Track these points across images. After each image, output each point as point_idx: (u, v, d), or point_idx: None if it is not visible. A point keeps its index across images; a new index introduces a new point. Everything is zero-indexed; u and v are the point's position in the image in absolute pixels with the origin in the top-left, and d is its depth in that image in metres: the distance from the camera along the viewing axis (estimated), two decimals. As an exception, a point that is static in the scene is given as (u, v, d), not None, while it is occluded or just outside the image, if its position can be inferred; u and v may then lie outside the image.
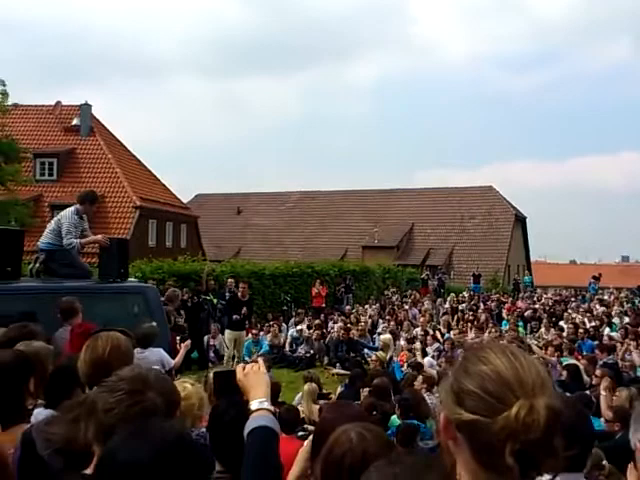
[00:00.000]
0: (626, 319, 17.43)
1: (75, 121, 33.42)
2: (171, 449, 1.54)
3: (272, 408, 2.08)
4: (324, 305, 20.51)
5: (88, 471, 1.92)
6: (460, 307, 21.19)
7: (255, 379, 2.14)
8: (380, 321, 17.94)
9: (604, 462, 4.03)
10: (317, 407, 7.12)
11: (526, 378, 1.21)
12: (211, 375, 3.42)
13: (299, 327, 16.31)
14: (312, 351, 14.99)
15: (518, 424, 1.16)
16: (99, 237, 7.63)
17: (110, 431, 1.85)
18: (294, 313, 18.92)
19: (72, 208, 7.40)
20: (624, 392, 6.28)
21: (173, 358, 6.89)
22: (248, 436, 1.96)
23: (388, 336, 13.32)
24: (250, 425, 1.98)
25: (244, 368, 2.19)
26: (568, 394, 6.52)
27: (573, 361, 9.80)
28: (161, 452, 1.52)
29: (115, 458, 1.53)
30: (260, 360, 2.27)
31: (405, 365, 10.75)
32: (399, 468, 1.24)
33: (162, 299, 8.91)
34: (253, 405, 2.04)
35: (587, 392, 7.49)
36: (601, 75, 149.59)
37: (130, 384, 1.93)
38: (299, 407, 7.43)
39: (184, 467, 1.53)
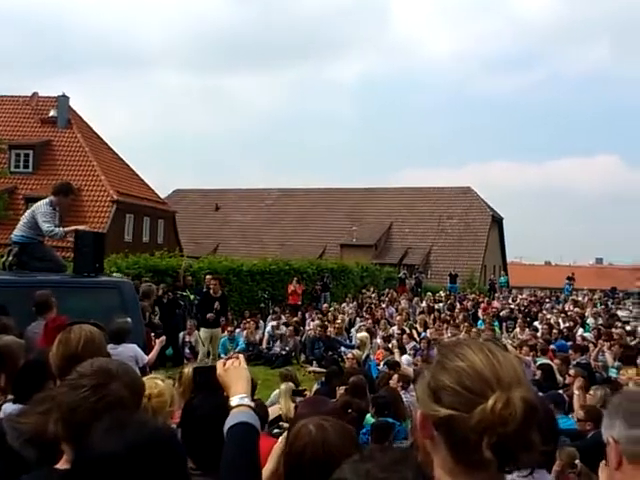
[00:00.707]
0: (599, 320, 17.68)
1: (52, 113, 32.95)
2: (150, 442, 1.53)
3: (252, 404, 2.06)
4: (300, 303, 20.52)
5: (59, 466, 1.89)
6: (437, 306, 21.34)
7: (236, 375, 2.11)
8: (357, 319, 17.99)
9: (577, 461, 4.07)
10: (294, 405, 7.11)
11: (503, 374, 1.21)
12: (186, 370, 3.39)
13: (273, 324, 16.32)
14: (287, 348, 15.01)
15: (494, 416, 1.15)
16: (82, 227, 7.55)
17: (79, 429, 1.82)
18: (271, 310, 18.89)
19: (46, 199, 7.30)
20: (599, 391, 6.36)
21: (147, 354, 6.82)
22: (228, 432, 1.94)
23: (364, 334, 13.33)
24: (230, 421, 1.95)
25: (224, 364, 2.16)
26: (541, 393, 6.58)
27: (547, 361, 9.91)
28: (140, 445, 1.51)
29: (93, 452, 1.52)
30: (241, 356, 2.25)
31: (382, 364, 10.77)
32: (371, 464, 1.23)
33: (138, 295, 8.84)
34: (234, 401, 2.02)
35: (560, 391, 7.58)
36: (581, 78, 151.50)
37: (92, 379, 1.90)
38: (276, 405, 7.41)
39: (163, 460, 1.52)
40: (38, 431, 2.17)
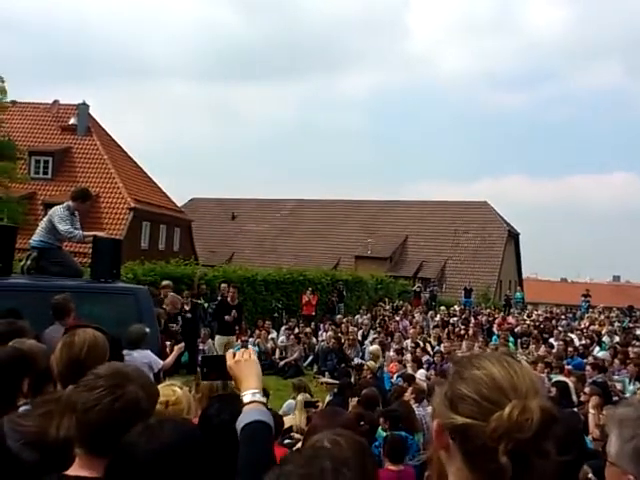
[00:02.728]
0: (616, 338, 17.48)
1: (72, 120, 33.31)
2: (184, 442, 1.58)
3: (265, 400, 2.02)
4: (314, 313, 20.48)
5: (71, 472, 1.87)
6: (451, 320, 21.21)
7: (247, 368, 2.07)
8: (371, 332, 17.93)
9: (590, 475, 4.00)
10: (305, 416, 7.09)
11: (520, 384, 1.22)
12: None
13: (281, 337, 16.39)
14: (290, 356, 15.09)
15: (511, 423, 1.16)
16: (101, 234, 7.61)
17: (94, 430, 1.83)
18: (285, 320, 18.87)
19: (64, 204, 7.37)
20: (611, 411, 6.27)
21: (162, 360, 6.84)
22: (243, 430, 1.89)
23: (376, 347, 13.30)
24: (245, 419, 1.91)
25: (234, 355, 2.12)
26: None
27: (562, 378, 9.80)
28: (175, 444, 1.55)
29: (131, 451, 1.56)
30: (250, 347, 2.24)
31: (395, 376, 10.73)
32: (290, 465, 1.28)
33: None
34: (246, 397, 1.97)
35: (575, 410, 7.48)
36: (594, 94, 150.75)
37: (109, 380, 1.89)
38: (289, 416, 7.40)
39: (196, 459, 1.54)
40: (39, 433, 2.13)
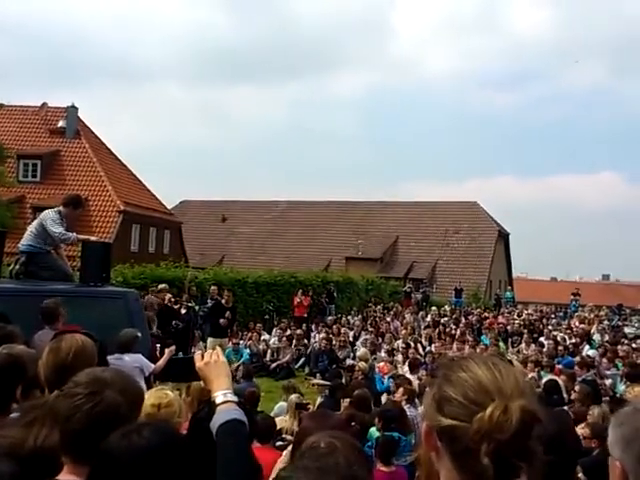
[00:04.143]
0: (606, 337, 17.60)
1: (61, 123, 33.18)
2: (165, 445, 1.57)
3: (237, 399, 2.02)
4: (306, 315, 20.48)
5: (60, 477, 1.87)
6: (442, 321, 21.26)
7: (216, 369, 2.08)
8: (362, 332, 17.96)
9: (579, 475, 4.03)
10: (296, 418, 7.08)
11: (504, 385, 1.23)
12: (195, 382, 3.39)
13: (273, 338, 16.39)
14: (282, 358, 15.10)
15: (492, 424, 1.17)
16: (94, 238, 7.59)
17: (76, 438, 1.83)
18: (276, 322, 18.86)
19: (55, 209, 7.33)
20: (596, 409, 6.32)
21: (153, 364, 6.82)
22: (219, 430, 1.89)
23: (364, 350, 13.30)
24: (220, 418, 1.91)
25: (203, 357, 2.13)
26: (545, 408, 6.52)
27: (553, 377, 9.86)
28: (156, 448, 1.55)
29: (112, 455, 1.57)
30: (218, 349, 2.23)
31: (387, 377, 10.74)
32: (305, 460, 1.37)
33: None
34: (218, 398, 1.98)
35: (565, 408, 7.52)
36: (581, 95, 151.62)
37: (87, 387, 1.90)
38: (283, 417, 7.39)
39: (178, 462, 1.54)
40: (15, 445, 2.09)
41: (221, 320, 12.22)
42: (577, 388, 8.09)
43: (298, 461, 1.40)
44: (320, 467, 1.34)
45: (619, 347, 14.10)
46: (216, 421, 1.91)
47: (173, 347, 7.87)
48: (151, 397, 3.12)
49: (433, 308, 25.50)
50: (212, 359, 2.11)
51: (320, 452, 1.41)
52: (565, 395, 8.76)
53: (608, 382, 10.59)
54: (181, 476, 1.57)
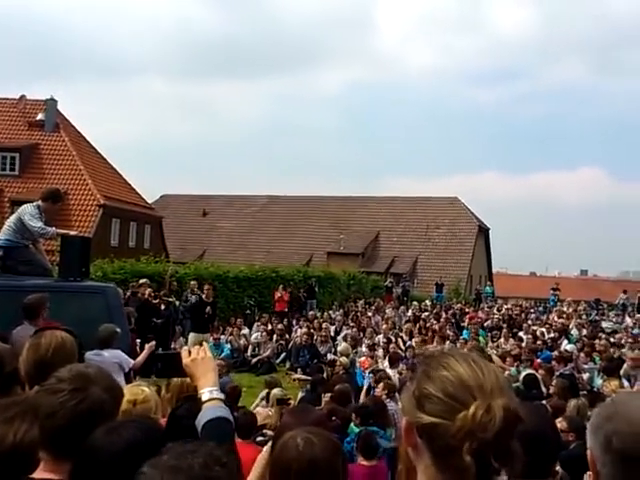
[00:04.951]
0: (584, 331, 17.79)
1: (40, 116, 32.72)
2: (147, 440, 1.56)
3: (223, 396, 2.02)
4: (287, 310, 20.48)
5: (36, 475, 1.85)
6: (423, 315, 21.37)
7: (203, 366, 2.08)
8: (344, 327, 17.99)
9: (557, 468, 4.08)
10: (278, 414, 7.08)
11: (485, 383, 1.23)
12: (175, 378, 3.37)
13: (254, 333, 16.38)
14: (263, 353, 15.09)
15: (475, 423, 1.18)
16: (74, 233, 7.54)
17: (59, 434, 1.81)
18: (257, 317, 18.84)
19: (33, 203, 7.25)
20: (572, 402, 6.40)
21: (132, 359, 6.78)
22: (204, 427, 1.88)
23: (345, 345, 13.35)
24: (205, 416, 1.90)
25: (190, 353, 2.13)
26: (525, 403, 6.59)
27: (532, 371, 9.95)
28: (138, 443, 1.55)
29: (95, 451, 1.57)
30: (205, 345, 2.23)
31: (367, 372, 10.77)
32: (166, 455, 1.30)
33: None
34: (204, 395, 1.98)
35: (543, 402, 7.60)
36: (561, 92, 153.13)
37: (71, 383, 1.88)
38: (261, 409, 7.40)
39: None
40: None
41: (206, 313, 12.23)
42: (555, 382, 8.19)
43: (157, 457, 1.33)
44: (174, 466, 1.28)
45: (597, 341, 14.27)
46: (202, 418, 1.90)
47: (153, 343, 7.84)
48: (127, 393, 3.10)
49: (414, 303, 25.64)
50: (199, 355, 2.10)
51: (180, 451, 1.34)
52: (544, 389, 8.86)
53: (586, 376, 10.71)
54: None
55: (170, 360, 2.21)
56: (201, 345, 2.20)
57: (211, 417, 1.89)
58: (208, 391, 1.98)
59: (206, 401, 1.96)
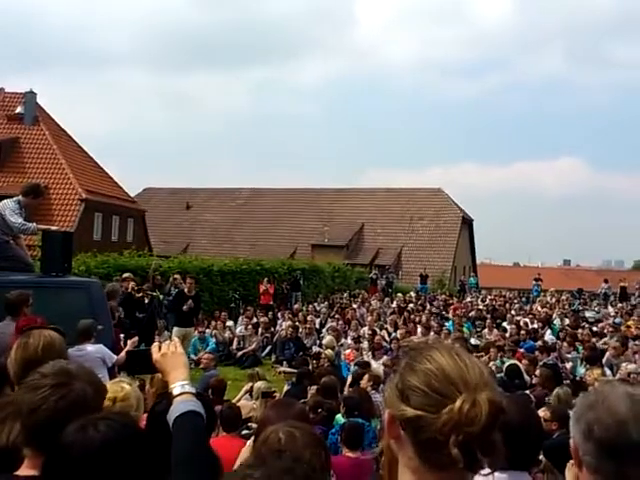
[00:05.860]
0: (566, 321, 17.97)
1: (19, 109, 32.29)
2: (122, 437, 1.56)
3: (194, 390, 2.01)
4: (272, 303, 20.48)
5: (20, 472, 1.84)
6: (408, 307, 21.46)
7: (173, 361, 2.07)
8: (329, 320, 18.02)
9: (540, 457, 4.11)
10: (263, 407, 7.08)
11: (469, 376, 1.24)
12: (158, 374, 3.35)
13: (239, 326, 16.37)
14: (248, 347, 15.08)
15: (461, 417, 1.18)
16: (55, 228, 7.47)
17: (40, 430, 1.80)
18: (242, 310, 18.81)
19: (14, 198, 7.18)
20: (555, 391, 6.49)
21: (116, 354, 6.75)
22: (175, 422, 1.87)
23: (330, 338, 13.37)
24: (177, 410, 1.89)
25: (160, 348, 2.12)
26: (508, 394, 6.66)
27: (515, 362, 10.04)
28: (113, 440, 1.53)
29: (67, 449, 1.54)
30: (175, 339, 2.22)
31: (352, 364, 10.81)
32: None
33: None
34: (175, 389, 1.96)
35: (527, 392, 7.67)
36: (539, 83, 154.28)
37: (54, 378, 1.87)
38: (244, 401, 7.40)
39: (135, 454, 1.52)
40: None
41: (185, 307, 12.11)
42: (538, 372, 8.27)
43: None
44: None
45: (579, 331, 14.42)
46: (173, 413, 1.89)
47: (136, 338, 7.80)
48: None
49: (399, 294, 25.72)
50: (169, 350, 2.10)
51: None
52: (527, 379, 8.94)
53: (569, 365, 10.83)
54: (136, 470, 1.55)
55: (140, 357, 2.20)
56: (184, 339, 2.19)
57: (182, 411, 1.88)
58: (179, 385, 1.97)
59: (177, 395, 1.95)
